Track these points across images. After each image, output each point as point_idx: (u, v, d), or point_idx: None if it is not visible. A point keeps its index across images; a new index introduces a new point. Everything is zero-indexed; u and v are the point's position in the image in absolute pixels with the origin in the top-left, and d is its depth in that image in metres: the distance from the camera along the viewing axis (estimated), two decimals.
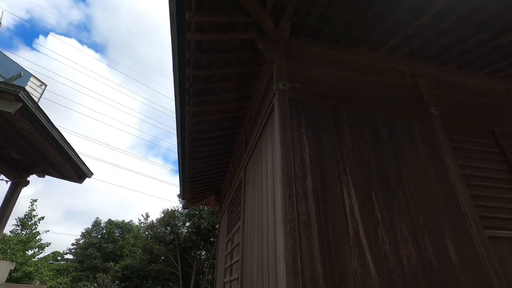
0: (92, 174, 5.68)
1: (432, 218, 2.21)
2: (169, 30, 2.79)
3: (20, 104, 3.42)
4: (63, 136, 4.39)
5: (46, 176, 5.77)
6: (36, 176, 5.77)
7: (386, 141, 2.49)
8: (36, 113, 3.64)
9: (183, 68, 3.14)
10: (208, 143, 4.84)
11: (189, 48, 2.82)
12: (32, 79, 12.45)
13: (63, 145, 4.41)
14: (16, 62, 11.88)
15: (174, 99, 3.83)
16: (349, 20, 2.66)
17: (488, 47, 2.90)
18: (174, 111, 4.01)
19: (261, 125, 2.91)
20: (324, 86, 2.64)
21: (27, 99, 3.43)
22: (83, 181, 5.70)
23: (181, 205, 16.00)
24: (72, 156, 4.75)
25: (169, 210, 15.37)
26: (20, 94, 3.29)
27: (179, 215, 15.32)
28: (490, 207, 2.52)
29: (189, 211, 15.01)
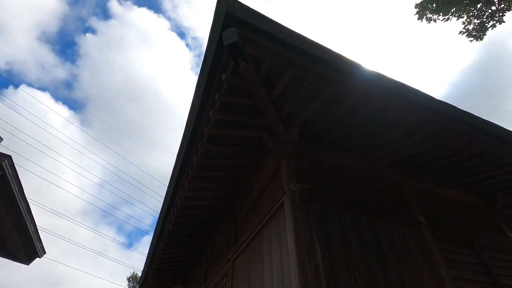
0: (44, 253, 4.88)
1: None
2: (185, 120, 2.97)
3: None
4: (29, 208, 3.91)
5: None
6: None
7: (387, 248, 2.58)
8: (12, 184, 3.31)
9: (188, 155, 3.21)
10: (190, 227, 4.57)
11: (201, 138, 2.95)
12: None
13: (26, 220, 3.89)
14: None
15: (169, 181, 3.77)
16: (347, 132, 3.05)
17: (457, 166, 3.41)
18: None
19: (264, 220, 2.89)
20: (329, 189, 2.81)
21: (8, 168, 3.15)
22: (31, 262, 4.83)
23: None
24: (31, 232, 4.14)
25: None
26: (3, 164, 3.03)
27: None
28: None
29: None
